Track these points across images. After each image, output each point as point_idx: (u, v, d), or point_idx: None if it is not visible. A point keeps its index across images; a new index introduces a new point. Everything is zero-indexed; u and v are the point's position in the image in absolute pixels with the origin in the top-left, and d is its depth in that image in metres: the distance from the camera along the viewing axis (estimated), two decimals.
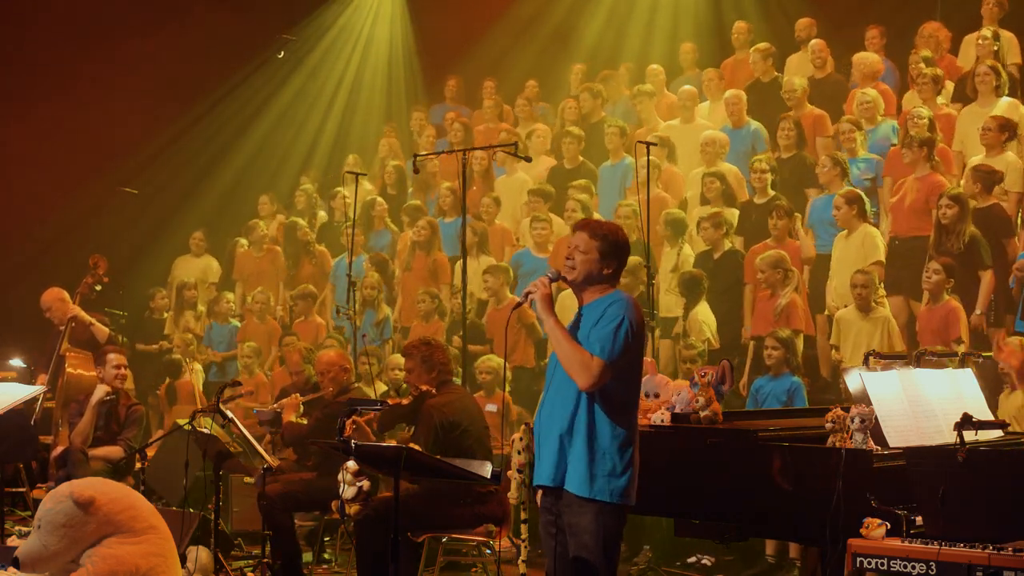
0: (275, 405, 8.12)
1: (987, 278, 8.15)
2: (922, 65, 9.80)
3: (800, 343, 8.48)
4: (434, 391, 6.73)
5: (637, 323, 4.70)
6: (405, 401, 6.77)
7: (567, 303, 8.53)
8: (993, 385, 7.31)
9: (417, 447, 6.05)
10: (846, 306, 8.49)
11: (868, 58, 10.26)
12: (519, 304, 4.96)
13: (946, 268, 7.88)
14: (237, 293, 12.22)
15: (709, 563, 7.86)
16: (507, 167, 11.61)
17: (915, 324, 8.29)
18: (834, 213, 8.75)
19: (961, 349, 7.35)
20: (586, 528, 4.68)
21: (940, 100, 9.71)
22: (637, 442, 4.77)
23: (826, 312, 8.92)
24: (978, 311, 8.05)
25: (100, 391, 8.54)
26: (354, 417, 6.51)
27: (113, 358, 8.66)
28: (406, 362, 6.94)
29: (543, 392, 4.94)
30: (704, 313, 8.99)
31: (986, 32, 9.69)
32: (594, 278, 4.80)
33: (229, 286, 12.46)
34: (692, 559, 7.94)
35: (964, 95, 9.62)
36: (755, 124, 10.59)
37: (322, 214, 12.69)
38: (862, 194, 8.82)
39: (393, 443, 7.48)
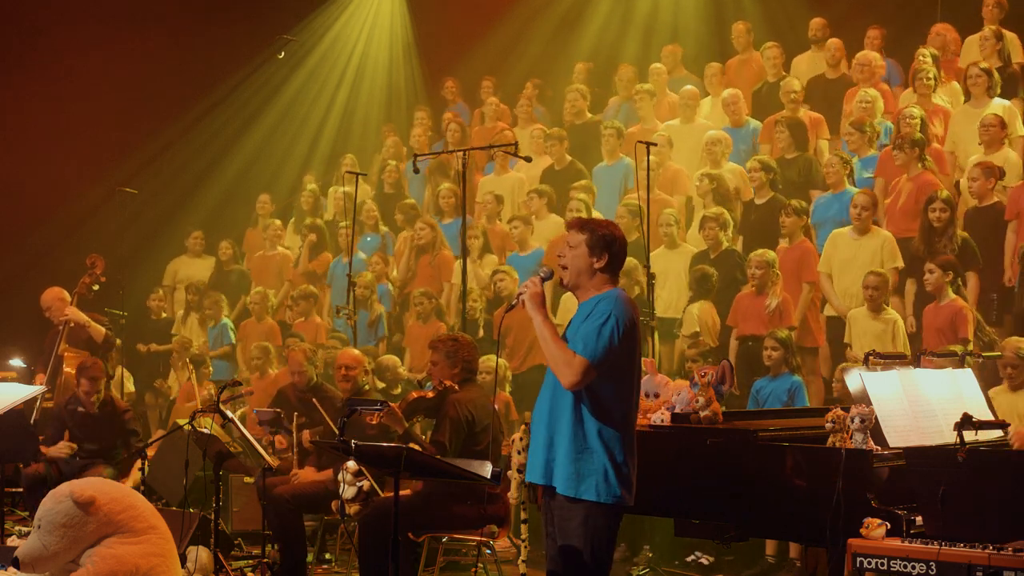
0: (294, 438, 8.01)
1: (974, 280, 8.17)
2: (927, 62, 9.78)
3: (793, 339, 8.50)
4: (457, 387, 6.76)
5: (627, 321, 4.64)
6: (430, 395, 6.79)
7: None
8: (993, 384, 7.32)
9: (416, 447, 6.06)
10: (852, 307, 8.50)
11: (869, 57, 10.26)
12: (511, 307, 4.92)
13: (942, 265, 7.87)
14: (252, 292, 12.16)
15: (707, 562, 7.87)
16: (501, 166, 11.60)
17: (914, 324, 8.29)
18: (854, 213, 8.66)
19: (968, 348, 7.35)
20: (574, 530, 4.64)
21: (938, 99, 9.68)
22: (632, 440, 4.71)
23: (825, 312, 8.91)
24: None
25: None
26: (390, 405, 6.53)
27: (83, 384, 8.65)
28: (432, 355, 6.99)
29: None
30: (698, 308, 8.98)
31: (987, 31, 9.69)
32: (587, 273, 4.75)
33: (228, 285, 12.45)
34: (691, 558, 7.95)
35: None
36: (756, 123, 10.57)
37: (323, 215, 12.69)
38: (877, 196, 8.83)
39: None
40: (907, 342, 8.08)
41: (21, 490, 9.01)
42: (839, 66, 10.85)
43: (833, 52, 10.85)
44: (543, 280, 4.81)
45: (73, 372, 9.37)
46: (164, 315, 12.28)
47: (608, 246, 4.75)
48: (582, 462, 4.61)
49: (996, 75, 9.18)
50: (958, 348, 7.29)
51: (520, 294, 4.78)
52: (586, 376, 4.57)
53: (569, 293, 5.07)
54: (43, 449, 8.57)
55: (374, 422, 6.64)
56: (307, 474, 7.74)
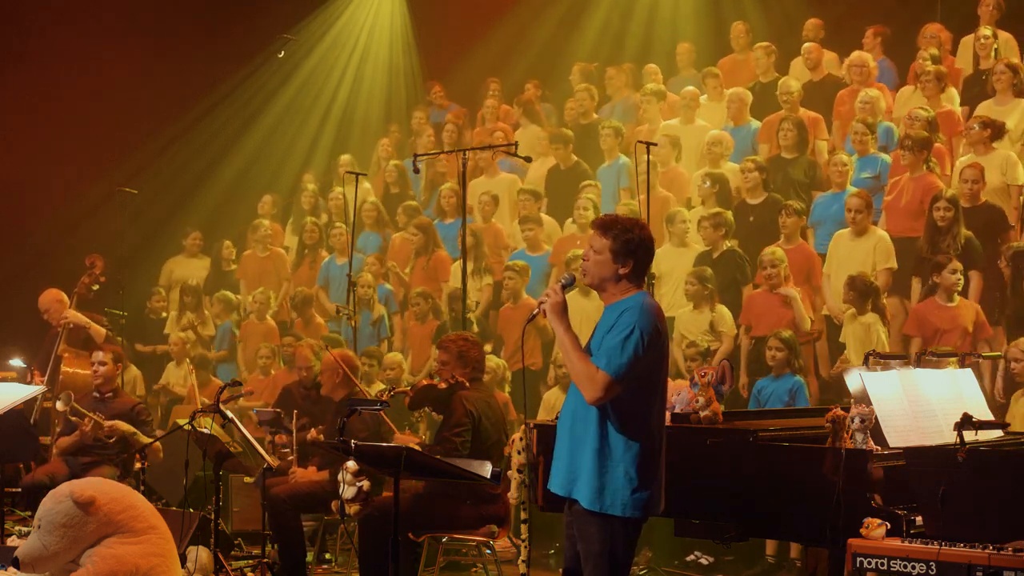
0: (294, 436, 8.00)
1: (976, 279, 8.18)
2: (928, 63, 9.79)
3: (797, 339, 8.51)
4: (467, 384, 6.77)
5: (651, 331, 4.53)
6: (441, 385, 6.79)
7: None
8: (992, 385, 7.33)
9: (419, 440, 6.06)
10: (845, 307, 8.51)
11: (863, 58, 10.27)
12: (532, 316, 4.83)
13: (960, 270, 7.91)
14: (241, 293, 12.21)
15: (706, 562, 7.87)
16: (490, 170, 11.60)
17: (909, 323, 8.28)
18: (848, 216, 8.66)
19: (986, 350, 7.38)
20: (593, 537, 4.57)
21: (946, 102, 9.69)
22: (661, 452, 4.64)
23: (824, 312, 8.90)
24: None
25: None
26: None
27: (96, 355, 8.62)
28: (440, 354, 6.98)
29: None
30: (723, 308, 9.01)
31: (985, 31, 9.70)
32: (611, 279, 4.64)
33: (226, 286, 12.45)
34: (691, 557, 7.95)
35: (972, 97, 9.62)
36: (756, 123, 10.56)
37: (323, 215, 12.70)
38: (869, 195, 8.84)
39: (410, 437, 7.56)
40: (886, 344, 8.05)
41: (19, 490, 9.00)
42: (819, 68, 10.84)
43: (808, 54, 10.86)
44: (564, 287, 4.68)
45: (72, 372, 9.36)
46: (165, 315, 12.29)
47: (633, 252, 4.63)
48: (607, 476, 4.52)
49: (1022, 72, 9.16)
50: (948, 348, 7.31)
51: (541, 303, 4.67)
52: (608, 392, 4.47)
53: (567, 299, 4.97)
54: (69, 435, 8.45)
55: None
56: (305, 474, 7.74)
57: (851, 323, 8.25)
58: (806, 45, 11.00)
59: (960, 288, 7.90)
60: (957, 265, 7.88)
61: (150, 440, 8.03)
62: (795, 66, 11.31)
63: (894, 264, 8.55)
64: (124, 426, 8.23)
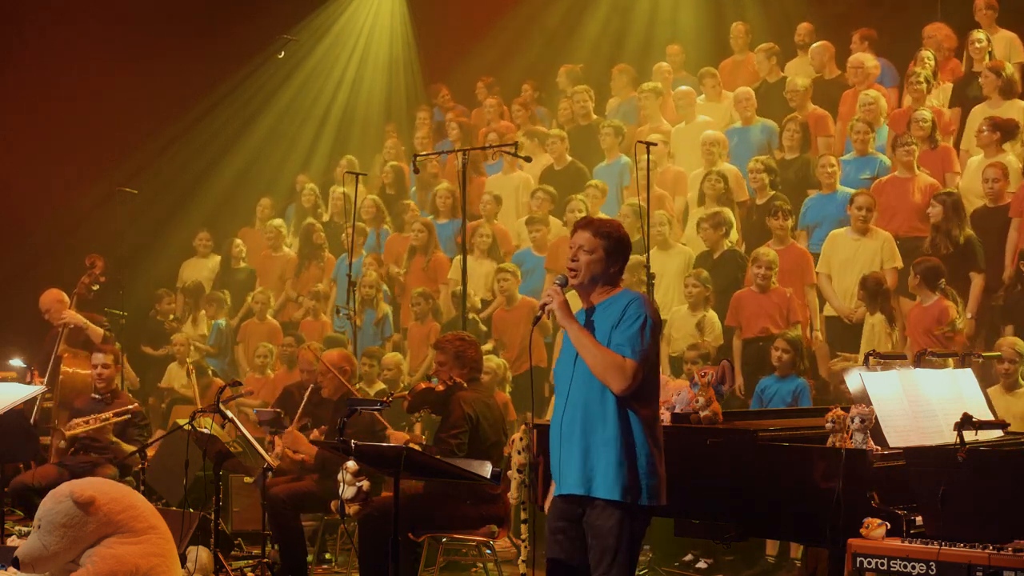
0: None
1: (977, 281, 8.17)
2: (927, 63, 9.79)
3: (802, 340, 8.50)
4: (465, 384, 6.78)
5: (657, 320, 4.67)
6: (439, 388, 6.79)
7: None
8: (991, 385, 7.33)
9: (418, 441, 6.05)
10: (854, 307, 8.51)
11: (861, 59, 10.27)
12: (538, 319, 4.85)
13: (914, 267, 7.93)
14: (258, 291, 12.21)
15: (705, 565, 7.86)
16: (503, 167, 11.60)
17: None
18: (858, 215, 8.64)
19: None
20: (612, 532, 4.57)
21: (934, 101, 9.69)
22: (662, 441, 4.70)
23: (827, 312, 8.90)
24: (968, 315, 8.06)
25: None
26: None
27: (97, 357, 8.62)
28: (438, 355, 6.97)
29: (556, 398, 4.83)
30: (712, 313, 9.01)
31: (978, 35, 9.70)
32: (600, 278, 4.71)
33: (236, 285, 12.46)
34: (691, 557, 7.94)
35: (964, 97, 9.61)
36: (769, 122, 10.54)
37: (323, 215, 12.71)
38: (871, 196, 8.84)
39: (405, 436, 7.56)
40: (891, 343, 8.05)
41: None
42: (829, 68, 10.84)
43: (818, 55, 10.85)
44: (563, 286, 4.74)
45: (72, 372, 9.36)
46: (172, 317, 12.32)
47: (624, 250, 4.76)
48: (634, 465, 4.55)
49: (1007, 75, 9.13)
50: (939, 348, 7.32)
51: (545, 304, 4.70)
52: (636, 378, 4.53)
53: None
54: (63, 427, 8.46)
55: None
56: (299, 437, 7.69)
57: (866, 323, 8.25)
58: (815, 45, 10.99)
59: (923, 287, 7.88)
60: (911, 271, 7.92)
61: (133, 448, 8.04)
62: (792, 67, 11.29)
63: (899, 263, 8.56)
64: (109, 434, 8.24)
